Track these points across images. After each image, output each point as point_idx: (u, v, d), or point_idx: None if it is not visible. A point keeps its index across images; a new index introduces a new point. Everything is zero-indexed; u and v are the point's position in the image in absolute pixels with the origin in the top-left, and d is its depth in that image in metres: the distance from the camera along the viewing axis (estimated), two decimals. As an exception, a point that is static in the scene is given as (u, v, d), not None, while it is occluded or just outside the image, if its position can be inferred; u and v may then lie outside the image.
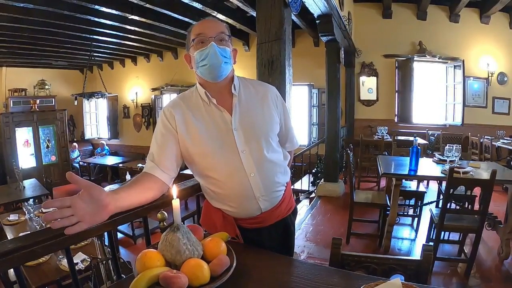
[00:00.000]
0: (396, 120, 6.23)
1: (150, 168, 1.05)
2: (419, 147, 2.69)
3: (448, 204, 2.26)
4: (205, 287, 0.74)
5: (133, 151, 9.06)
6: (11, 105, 7.78)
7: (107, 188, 3.77)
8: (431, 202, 3.38)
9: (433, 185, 4.30)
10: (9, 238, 3.05)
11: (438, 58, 5.81)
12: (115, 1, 4.31)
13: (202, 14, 4.41)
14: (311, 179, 5.27)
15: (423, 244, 0.96)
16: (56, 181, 6.89)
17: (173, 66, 8.07)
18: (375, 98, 6.39)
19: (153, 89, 8.54)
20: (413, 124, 6.03)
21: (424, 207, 3.23)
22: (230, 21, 5.04)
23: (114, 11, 4.45)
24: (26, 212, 3.55)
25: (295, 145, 1.33)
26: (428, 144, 5.35)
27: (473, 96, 5.74)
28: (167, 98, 8.36)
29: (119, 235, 4.53)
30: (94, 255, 2.42)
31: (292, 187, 1.53)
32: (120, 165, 8.18)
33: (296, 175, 5.18)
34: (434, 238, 2.43)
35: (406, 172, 2.66)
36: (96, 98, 8.01)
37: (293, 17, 3.20)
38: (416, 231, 3.18)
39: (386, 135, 4.96)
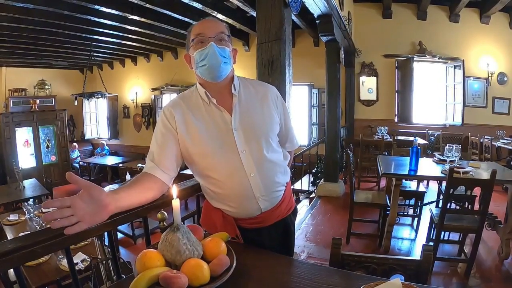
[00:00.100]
0: (396, 120, 6.23)
1: (150, 168, 1.05)
2: (419, 147, 2.69)
3: (448, 204, 2.26)
4: (205, 287, 0.74)
5: (133, 151, 9.06)
6: (11, 105, 7.78)
7: (107, 188, 3.78)
8: (431, 202, 3.38)
9: (433, 185, 4.30)
10: (9, 238, 3.05)
11: (438, 58, 5.81)
12: (115, 1, 4.31)
13: (202, 14, 4.41)
14: (311, 179, 5.27)
15: (423, 244, 0.96)
16: (56, 181, 6.89)
17: (173, 66, 8.07)
18: (375, 98, 6.38)
19: (153, 89, 8.54)
20: (413, 124, 6.02)
21: (424, 207, 3.23)
22: (230, 21, 5.04)
23: (114, 11, 4.45)
24: (26, 212, 3.55)
25: (295, 145, 1.33)
26: (428, 144, 5.34)
27: (473, 96, 5.74)
28: (167, 98, 8.36)
29: (119, 235, 4.53)
30: (94, 255, 2.42)
31: (292, 187, 1.53)
32: (120, 165, 8.18)
33: (296, 175, 5.18)
34: (434, 238, 2.43)
35: (406, 172, 2.66)
36: (96, 98, 8.02)
37: (293, 17, 3.20)
38: (416, 231, 3.18)
39: (386, 135, 4.96)
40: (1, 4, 3.80)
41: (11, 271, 0.98)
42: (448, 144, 2.73)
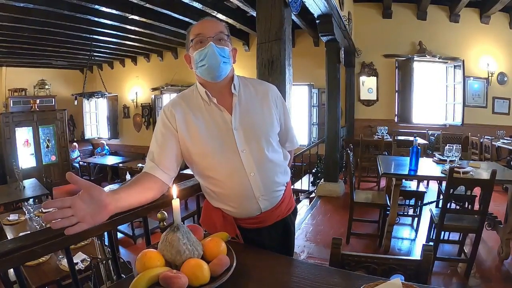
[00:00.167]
0: (396, 120, 6.22)
1: (150, 168, 1.05)
2: (419, 147, 2.69)
3: (448, 204, 2.26)
4: (205, 287, 0.74)
5: (133, 151, 9.06)
6: (11, 105, 7.78)
7: (107, 188, 3.78)
8: (431, 202, 3.38)
9: (433, 185, 4.30)
10: (9, 238, 3.05)
11: (438, 58, 5.81)
12: (115, 1, 4.31)
13: (202, 14, 4.41)
14: (311, 179, 5.27)
15: (423, 244, 0.96)
16: (56, 181, 6.89)
17: (173, 66, 8.07)
18: (375, 98, 6.38)
19: (153, 89, 8.53)
20: (413, 124, 6.02)
21: (424, 207, 3.23)
22: (230, 21, 5.04)
23: (114, 11, 4.45)
24: (26, 212, 3.55)
25: (295, 145, 1.33)
26: (428, 144, 5.34)
27: (473, 96, 5.74)
28: (167, 98, 8.35)
29: (119, 235, 4.52)
30: (94, 255, 2.42)
31: (292, 187, 1.53)
32: (120, 165, 8.17)
33: (296, 175, 5.17)
34: (434, 238, 2.43)
35: (406, 172, 2.67)
36: (96, 98, 8.01)
37: (293, 17, 3.20)
38: (416, 231, 3.18)
39: (386, 135, 4.96)
40: (1, 4, 3.80)
41: (11, 271, 0.98)
42: (448, 144, 2.73)
